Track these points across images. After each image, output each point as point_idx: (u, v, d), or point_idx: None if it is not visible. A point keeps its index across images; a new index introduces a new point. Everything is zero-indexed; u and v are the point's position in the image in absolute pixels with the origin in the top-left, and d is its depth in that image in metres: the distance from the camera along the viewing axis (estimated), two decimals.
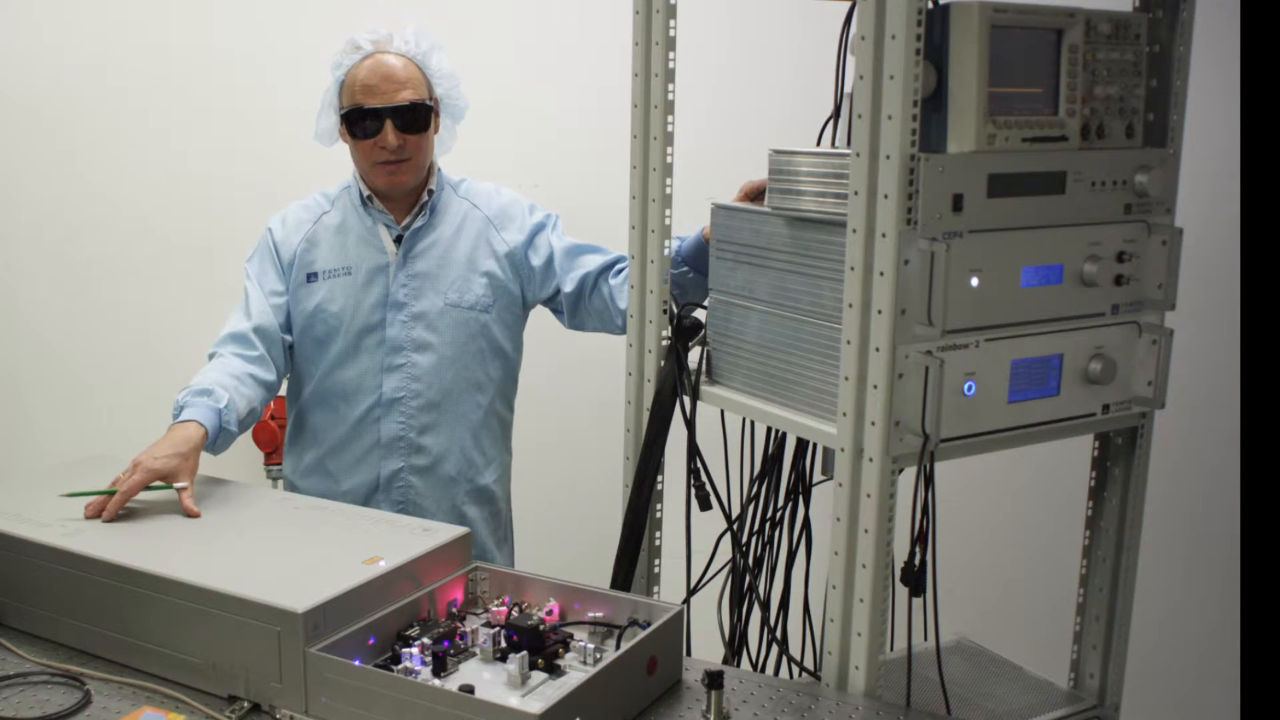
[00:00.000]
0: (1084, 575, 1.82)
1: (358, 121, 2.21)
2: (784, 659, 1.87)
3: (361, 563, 1.58)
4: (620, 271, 2.28)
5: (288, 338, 2.31)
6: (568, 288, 2.31)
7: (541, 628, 1.55)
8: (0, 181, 3.06)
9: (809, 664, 1.87)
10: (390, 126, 2.19)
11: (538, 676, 1.50)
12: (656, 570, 2.05)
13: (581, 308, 2.33)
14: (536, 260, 2.33)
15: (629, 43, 1.88)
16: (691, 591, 1.94)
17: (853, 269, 1.52)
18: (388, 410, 2.28)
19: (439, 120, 2.30)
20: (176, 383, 3.08)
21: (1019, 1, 1.49)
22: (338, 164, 3.00)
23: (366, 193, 2.29)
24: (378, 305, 2.27)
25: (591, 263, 2.31)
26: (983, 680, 1.82)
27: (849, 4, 1.65)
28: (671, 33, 1.85)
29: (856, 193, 1.50)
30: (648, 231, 1.93)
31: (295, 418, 2.39)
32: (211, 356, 2.23)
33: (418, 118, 2.22)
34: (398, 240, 2.29)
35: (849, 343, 1.54)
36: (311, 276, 2.29)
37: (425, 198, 2.30)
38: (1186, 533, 3.01)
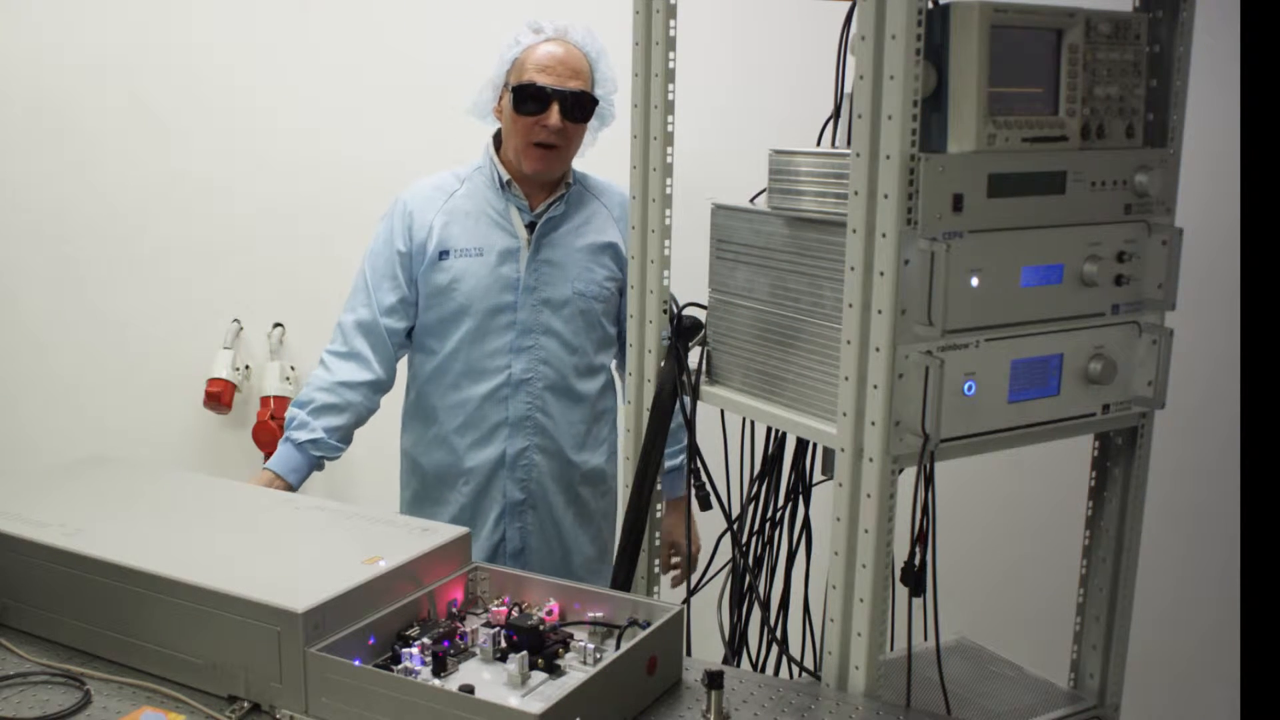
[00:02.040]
0: (1084, 575, 1.82)
1: (526, 98, 2.26)
2: (784, 659, 1.86)
3: (361, 563, 1.57)
4: None
5: (393, 323, 2.35)
6: None
7: (541, 628, 1.55)
8: (0, 181, 3.06)
9: (809, 664, 1.87)
10: (556, 109, 2.25)
11: (538, 676, 1.50)
12: (656, 570, 2.05)
13: None
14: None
15: (629, 43, 1.88)
16: (691, 591, 1.94)
17: (853, 269, 1.52)
18: (515, 390, 2.34)
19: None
20: (173, 384, 3.09)
21: (1019, 1, 1.49)
22: (341, 167, 3.01)
23: (506, 177, 2.34)
24: (509, 287, 2.33)
25: None
26: (983, 680, 1.82)
27: (849, 4, 1.65)
28: (671, 33, 1.85)
29: (856, 193, 1.50)
30: (648, 231, 1.93)
31: (417, 393, 2.43)
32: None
33: (582, 108, 2.28)
34: (529, 226, 2.34)
35: (849, 343, 1.54)
36: (444, 254, 2.33)
37: (564, 189, 2.35)
38: (1186, 533, 3.01)
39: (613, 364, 2.47)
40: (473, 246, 2.33)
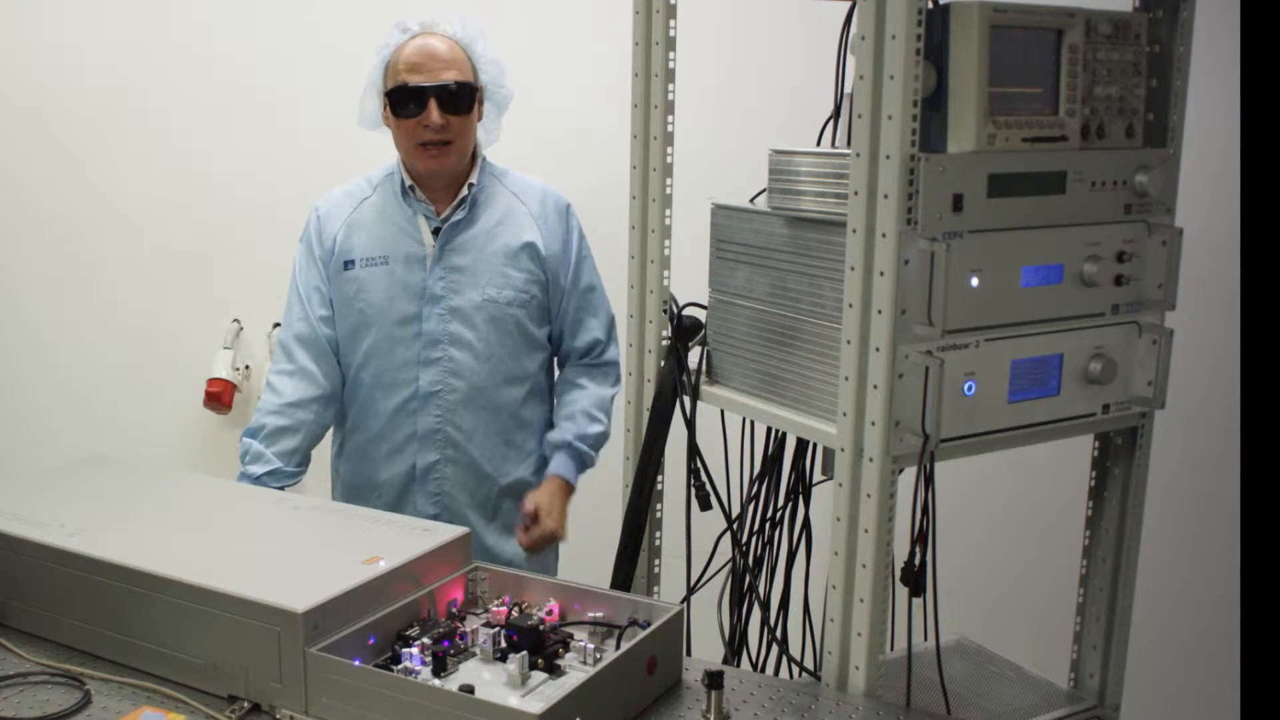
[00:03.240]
0: (1084, 575, 1.82)
1: (402, 100, 2.19)
2: (784, 659, 1.86)
3: (361, 563, 1.57)
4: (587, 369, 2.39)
5: (332, 332, 2.31)
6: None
7: (541, 628, 1.55)
8: (0, 181, 3.06)
9: (809, 664, 1.87)
10: (434, 106, 2.18)
11: (538, 676, 1.50)
12: (656, 570, 2.05)
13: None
14: (561, 293, 2.35)
15: (629, 43, 1.88)
16: (691, 591, 1.94)
17: (853, 269, 1.52)
18: (424, 403, 2.27)
19: (482, 107, 2.29)
20: (174, 384, 3.09)
21: (1019, 1, 1.49)
22: (341, 165, 3.00)
23: (409, 182, 2.28)
24: (414, 297, 2.26)
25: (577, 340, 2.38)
26: (983, 680, 1.82)
27: (849, 4, 1.65)
28: (671, 33, 1.85)
29: (856, 193, 1.50)
30: (648, 231, 1.93)
31: (339, 404, 2.37)
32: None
33: (462, 98, 2.21)
34: (436, 232, 2.28)
35: (849, 343, 1.54)
36: (349, 264, 2.28)
37: (466, 191, 2.28)
38: (1186, 533, 3.01)
39: (541, 370, 2.37)
40: (377, 255, 2.27)
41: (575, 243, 2.36)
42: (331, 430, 2.41)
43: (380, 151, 2.85)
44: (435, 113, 2.17)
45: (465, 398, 2.27)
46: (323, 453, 2.47)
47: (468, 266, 2.26)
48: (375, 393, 2.29)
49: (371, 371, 2.29)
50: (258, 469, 2.22)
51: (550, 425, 2.40)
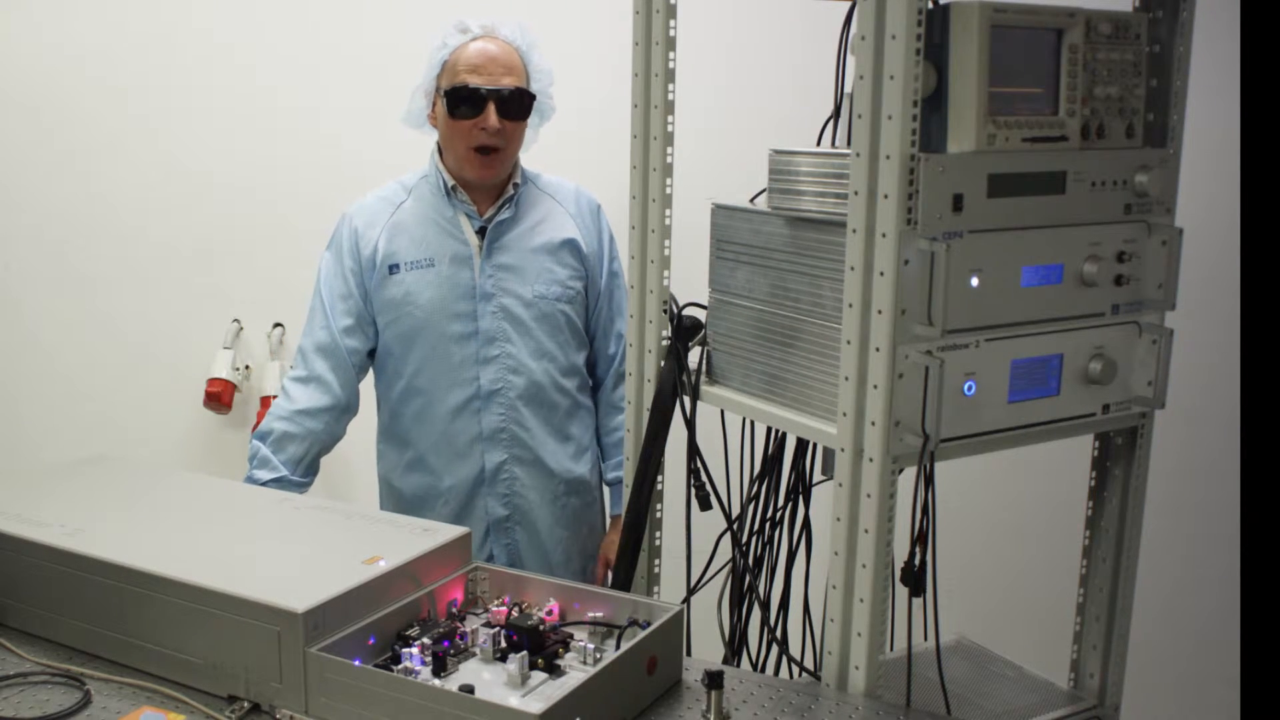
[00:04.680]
0: (1084, 575, 1.82)
1: (460, 101, 2.19)
2: (784, 659, 1.86)
3: (361, 563, 1.58)
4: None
5: (354, 343, 2.29)
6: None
7: (541, 628, 1.55)
8: (0, 181, 3.06)
9: (809, 664, 1.87)
10: (493, 109, 2.19)
11: (538, 676, 1.50)
12: (656, 570, 2.05)
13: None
14: (597, 292, 2.37)
15: (629, 43, 1.88)
16: (691, 591, 1.94)
17: (853, 269, 1.52)
18: (487, 402, 2.27)
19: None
20: (174, 383, 3.10)
21: (1019, 1, 1.49)
22: (341, 166, 3.01)
23: (451, 183, 2.28)
24: (465, 296, 2.26)
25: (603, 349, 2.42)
26: (983, 680, 1.82)
27: (849, 4, 1.65)
28: (671, 33, 1.85)
29: (856, 193, 1.50)
30: (648, 231, 1.93)
31: (389, 415, 2.36)
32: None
33: (520, 105, 2.22)
34: (480, 232, 2.28)
35: (849, 343, 1.54)
36: (394, 269, 2.27)
37: (511, 191, 2.29)
38: (1186, 533, 3.01)
39: (585, 365, 2.40)
40: (423, 258, 2.26)
41: (607, 243, 2.39)
42: (381, 446, 2.40)
43: (383, 153, 2.86)
44: (493, 116, 2.19)
45: (525, 394, 2.29)
46: (367, 469, 2.47)
47: (514, 264, 2.28)
48: (433, 397, 2.28)
49: (428, 375, 2.28)
50: (264, 474, 2.22)
51: (594, 418, 2.43)
